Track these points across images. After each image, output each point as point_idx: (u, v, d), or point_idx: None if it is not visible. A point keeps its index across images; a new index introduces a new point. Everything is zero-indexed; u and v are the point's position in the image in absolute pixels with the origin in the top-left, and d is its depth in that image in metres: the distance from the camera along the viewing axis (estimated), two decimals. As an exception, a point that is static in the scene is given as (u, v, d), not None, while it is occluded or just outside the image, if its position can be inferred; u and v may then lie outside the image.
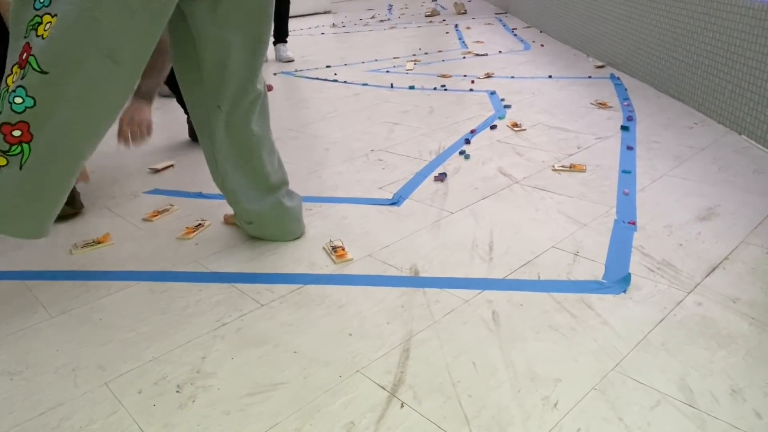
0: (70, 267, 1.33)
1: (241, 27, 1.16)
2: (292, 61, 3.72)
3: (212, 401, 0.90)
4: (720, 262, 1.18)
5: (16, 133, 1.00)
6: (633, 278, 1.14)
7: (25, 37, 0.99)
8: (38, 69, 0.98)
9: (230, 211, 1.53)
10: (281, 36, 3.77)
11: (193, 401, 0.90)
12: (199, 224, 1.49)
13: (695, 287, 1.10)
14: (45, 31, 0.97)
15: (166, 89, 2.90)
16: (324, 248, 1.34)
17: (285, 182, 1.37)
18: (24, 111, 0.99)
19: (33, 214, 1.09)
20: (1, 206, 1.05)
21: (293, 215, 1.37)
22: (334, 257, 1.29)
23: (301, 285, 1.20)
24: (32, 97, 0.99)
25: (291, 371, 0.95)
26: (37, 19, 0.98)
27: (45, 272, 1.32)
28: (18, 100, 0.99)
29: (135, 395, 0.92)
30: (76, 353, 1.03)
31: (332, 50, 4.05)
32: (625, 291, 1.10)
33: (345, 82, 3.02)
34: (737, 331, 0.98)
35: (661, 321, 1.01)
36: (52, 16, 0.97)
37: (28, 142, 1.01)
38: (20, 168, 1.02)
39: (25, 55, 0.99)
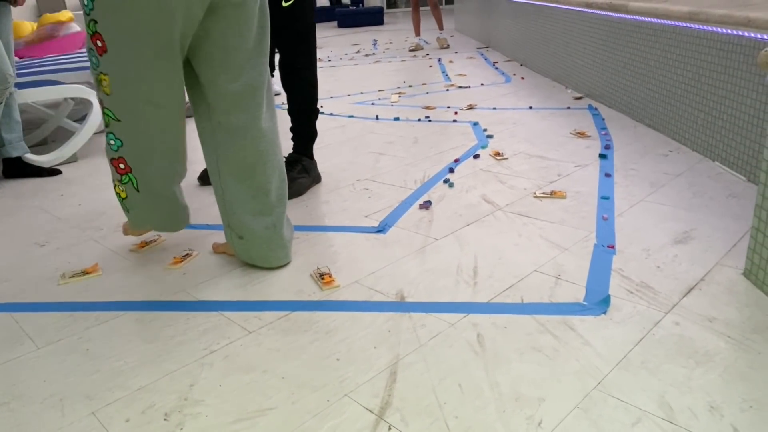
0: (57, 298, 1.33)
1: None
2: (279, 94, 3.78)
3: (200, 428, 0.90)
4: (696, 284, 1.21)
5: (122, 165, 1.34)
6: (613, 300, 1.17)
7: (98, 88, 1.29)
8: (115, 118, 1.29)
9: (221, 239, 1.54)
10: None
11: (181, 429, 0.90)
12: (187, 254, 1.50)
13: (673, 308, 1.13)
14: (106, 87, 1.26)
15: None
16: (311, 275, 1.36)
17: (283, 205, 1.42)
18: (118, 149, 1.32)
19: (163, 216, 1.45)
20: (142, 216, 1.43)
21: (283, 242, 1.40)
22: (321, 284, 1.30)
23: (288, 312, 1.21)
24: (119, 139, 1.31)
25: (279, 397, 0.96)
26: (98, 77, 1.26)
27: (32, 304, 1.32)
28: (112, 142, 1.32)
29: (123, 424, 0.92)
30: (63, 383, 1.03)
31: (318, 84, 4.11)
32: (605, 312, 1.13)
33: (331, 114, 3.07)
34: (714, 349, 1.01)
35: (640, 340, 1.04)
36: (105, 75, 1.24)
37: (130, 173, 1.34)
38: (138, 191, 1.37)
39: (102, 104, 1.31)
